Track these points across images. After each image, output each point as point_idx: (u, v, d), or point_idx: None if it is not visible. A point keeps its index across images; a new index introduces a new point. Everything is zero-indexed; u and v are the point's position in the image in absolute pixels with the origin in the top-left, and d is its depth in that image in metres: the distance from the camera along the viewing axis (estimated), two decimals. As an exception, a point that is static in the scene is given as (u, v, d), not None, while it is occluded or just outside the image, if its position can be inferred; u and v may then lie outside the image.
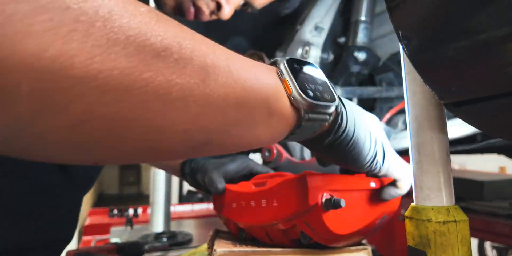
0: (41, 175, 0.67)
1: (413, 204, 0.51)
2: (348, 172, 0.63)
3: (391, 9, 0.38)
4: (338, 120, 0.47)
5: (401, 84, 1.25)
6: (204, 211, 2.09)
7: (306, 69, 0.45)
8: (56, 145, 0.28)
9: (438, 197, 0.48)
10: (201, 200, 4.17)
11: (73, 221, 0.78)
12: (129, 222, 1.65)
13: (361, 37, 1.15)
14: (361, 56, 1.14)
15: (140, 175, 11.96)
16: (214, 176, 0.76)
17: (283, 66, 0.42)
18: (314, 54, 1.07)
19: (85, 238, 1.64)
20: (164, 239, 1.30)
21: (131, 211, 1.90)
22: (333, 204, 0.53)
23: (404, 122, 1.19)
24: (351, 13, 1.18)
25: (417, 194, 0.50)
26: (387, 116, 1.00)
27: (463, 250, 0.46)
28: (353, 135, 0.49)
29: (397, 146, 1.05)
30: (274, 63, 0.44)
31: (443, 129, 0.48)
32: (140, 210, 1.94)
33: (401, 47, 0.43)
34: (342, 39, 1.23)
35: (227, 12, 0.82)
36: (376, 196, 0.61)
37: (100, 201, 9.57)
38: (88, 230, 1.69)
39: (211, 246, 0.73)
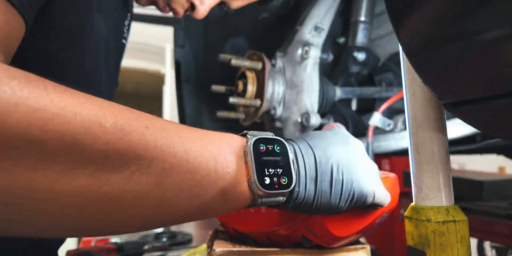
0: None
1: (413, 204, 0.51)
2: None
3: (391, 10, 0.38)
4: (293, 196, 0.48)
5: (400, 84, 1.25)
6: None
7: (271, 151, 0.47)
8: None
9: (438, 197, 0.48)
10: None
11: None
12: (129, 222, 1.65)
13: (360, 38, 1.16)
14: (360, 56, 1.14)
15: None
16: None
17: (249, 149, 0.44)
18: (314, 54, 1.07)
19: (85, 238, 1.64)
20: (164, 239, 1.30)
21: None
22: None
23: (404, 122, 1.19)
24: (351, 14, 1.19)
25: (417, 194, 0.50)
26: (384, 106, 1.00)
27: (462, 250, 0.46)
28: (314, 197, 0.49)
29: (396, 147, 1.05)
30: (244, 135, 0.47)
31: (443, 129, 0.48)
32: (140, 210, 1.94)
33: (400, 48, 0.43)
34: (341, 40, 1.23)
35: (201, 13, 0.84)
36: None
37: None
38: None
39: (210, 246, 0.73)
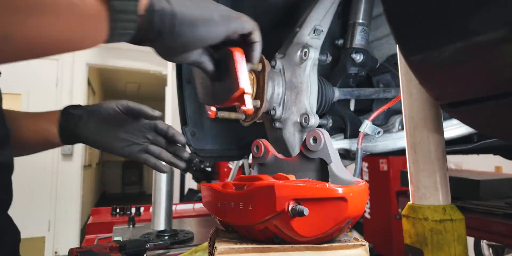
0: None
1: (410, 202, 0.52)
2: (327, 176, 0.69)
3: (388, 13, 0.39)
4: (154, 9, 0.52)
5: (398, 85, 1.26)
6: (205, 210, 2.10)
7: None
8: None
9: (435, 196, 0.49)
10: (201, 199, 4.18)
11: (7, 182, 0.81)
12: (131, 220, 1.66)
13: (358, 39, 1.17)
14: (358, 57, 1.16)
15: (142, 174, 11.96)
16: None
17: None
18: (313, 56, 1.08)
19: (88, 236, 1.65)
20: (166, 238, 1.31)
21: (133, 210, 1.91)
22: (297, 212, 0.59)
23: (401, 122, 1.21)
24: (349, 16, 1.20)
25: (414, 193, 0.51)
26: (374, 114, 1.02)
27: (459, 248, 0.47)
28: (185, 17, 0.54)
29: (394, 146, 1.07)
30: None
31: (439, 129, 0.49)
32: (142, 209, 1.95)
33: (398, 49, 0.44)
34: (340, 41, 1.24)
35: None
36: (341, 203, 0.64)
37: (103, 201, 9.57)
38: (91, 228, 1.69)
39: (211, 244, 0.75)
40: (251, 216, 0.68)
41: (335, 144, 1.11)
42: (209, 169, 4.43)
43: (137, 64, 5.50)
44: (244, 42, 0.71)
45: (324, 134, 0.79)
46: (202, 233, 1.48)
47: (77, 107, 0.94)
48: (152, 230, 1.51)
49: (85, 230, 1.74)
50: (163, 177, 1.56)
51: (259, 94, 1.11)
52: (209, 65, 0.71)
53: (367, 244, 0.68)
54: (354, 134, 1.16)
